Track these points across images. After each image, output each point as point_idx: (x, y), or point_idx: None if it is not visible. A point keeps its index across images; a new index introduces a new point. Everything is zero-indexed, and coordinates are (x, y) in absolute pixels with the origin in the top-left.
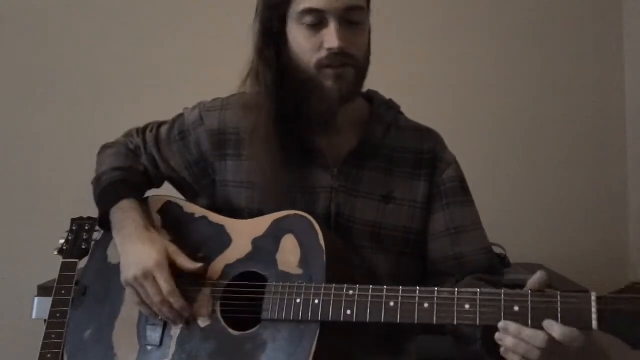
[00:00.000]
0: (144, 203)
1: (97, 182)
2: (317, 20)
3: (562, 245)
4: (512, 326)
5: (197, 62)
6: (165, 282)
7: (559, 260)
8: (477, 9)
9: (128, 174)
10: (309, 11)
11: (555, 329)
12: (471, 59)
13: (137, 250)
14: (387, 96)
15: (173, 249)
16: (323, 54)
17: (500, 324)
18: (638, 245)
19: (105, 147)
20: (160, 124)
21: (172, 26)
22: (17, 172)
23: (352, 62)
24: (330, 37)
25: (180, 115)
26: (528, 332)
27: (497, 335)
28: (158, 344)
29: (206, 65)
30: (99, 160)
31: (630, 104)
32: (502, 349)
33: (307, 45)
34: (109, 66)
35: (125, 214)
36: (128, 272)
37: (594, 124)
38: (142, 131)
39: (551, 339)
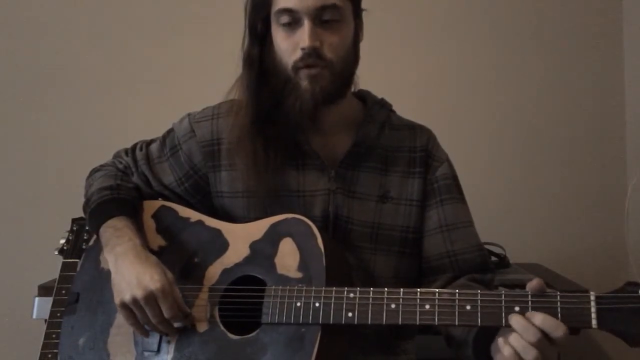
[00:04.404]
0: (137, 215)
1: (86, 205)
2: (292, 21)
3: (562, 245)
4: (515, 319)
5: (198, 62)
6: (169, 309)
7: (559, 260)
8: (476, 9)
9: (117, 192)
10: (283, 11)
11: (536, 317)
12: (471, 59)
13: (136, 271)
14: (388, 97)
15: (171, 276)
16: (298, 54)
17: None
18: (637, 245)
19: (93, 171)
20: (149, 142)
21: (173, 27)
22: (17, 172)
23: (325, 64)
24: (303, 37)
25: (171, 131)
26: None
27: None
28: (155, 349)
29: (208, 66)
30: (88, 184)
31: (630, 104)
32: (500, 340)
33: (284, 46)
34: (110, 67)
35: (117, 231)
36: (125, 293)
37: (594, 124)
38: (131, 151)
39: (542, 334)
